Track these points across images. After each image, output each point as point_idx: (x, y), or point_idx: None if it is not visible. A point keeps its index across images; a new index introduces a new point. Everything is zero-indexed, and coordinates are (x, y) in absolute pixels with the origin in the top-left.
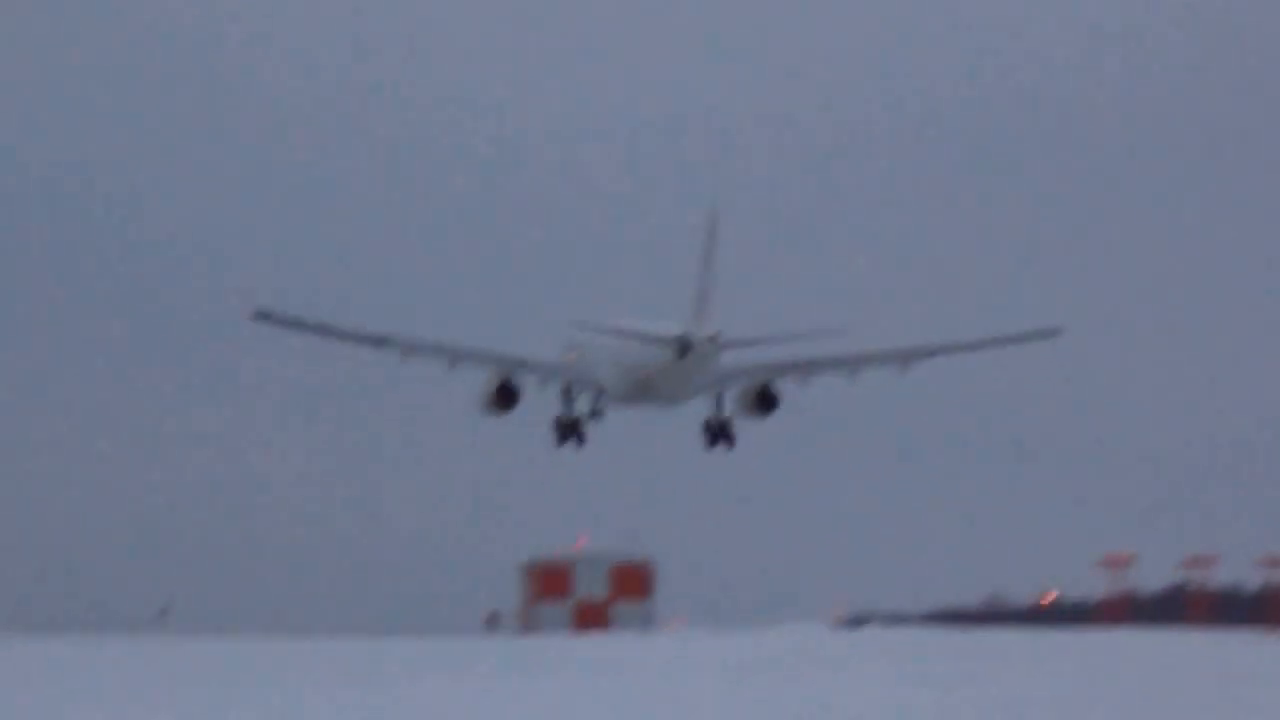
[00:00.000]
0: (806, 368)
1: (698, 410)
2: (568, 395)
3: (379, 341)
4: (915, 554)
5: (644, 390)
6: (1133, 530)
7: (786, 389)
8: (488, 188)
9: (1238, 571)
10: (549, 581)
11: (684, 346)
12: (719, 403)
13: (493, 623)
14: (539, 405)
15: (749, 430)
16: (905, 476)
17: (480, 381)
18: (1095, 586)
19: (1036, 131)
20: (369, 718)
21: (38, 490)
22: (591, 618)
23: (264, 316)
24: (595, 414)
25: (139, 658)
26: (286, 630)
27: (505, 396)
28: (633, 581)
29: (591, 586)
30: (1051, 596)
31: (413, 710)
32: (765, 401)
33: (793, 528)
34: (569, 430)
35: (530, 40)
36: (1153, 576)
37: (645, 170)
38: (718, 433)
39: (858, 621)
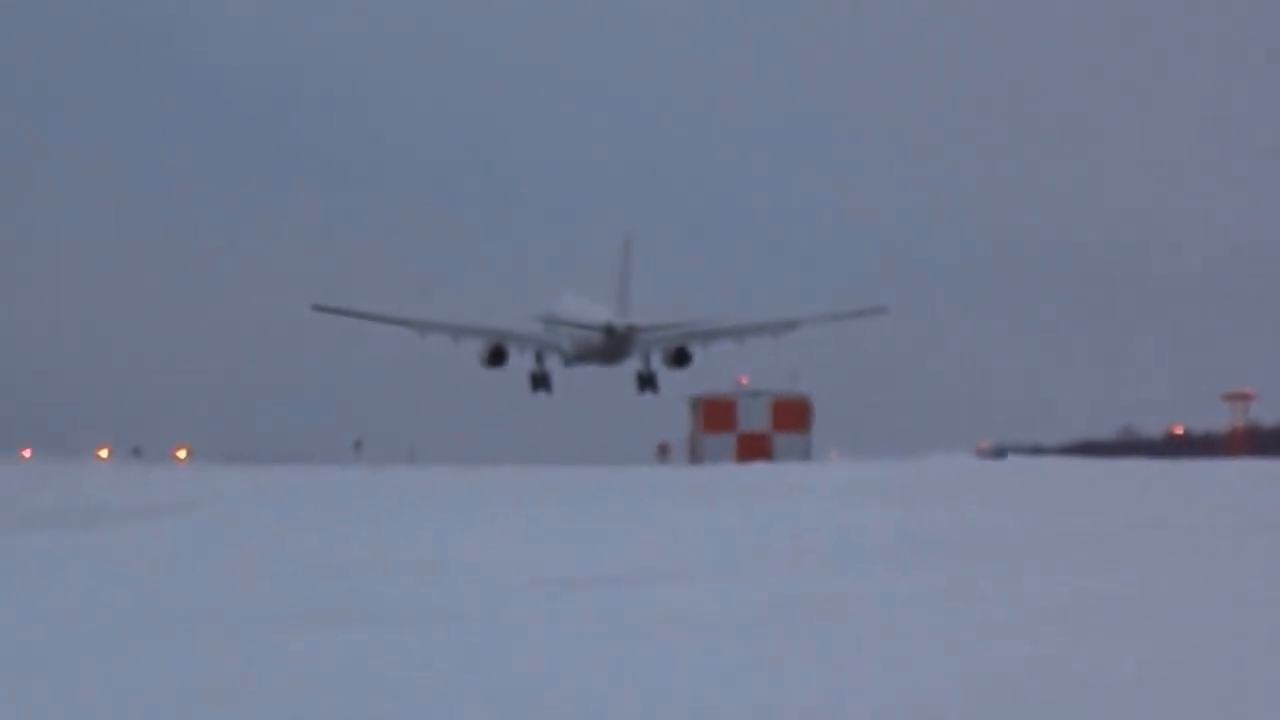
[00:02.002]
0: (706, 335)
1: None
2: (539, 358)
3: (403, 323)
4: (1053, 393)
5: (590, 355)
6: (1252, 368)
7: (695, 350)
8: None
9: None
10: (715, 415)
11: (609, 330)
12: (647, 360)
13: (664, 453)
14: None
15: (670, 377)
16: (1040, 324)
17: (477, 347)
18: (1219, 420)
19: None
20: (555, 535)
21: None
22: (754, 448)
23: (320, 309)
24: (568, 364)
25: (340, 483)
26: (474, 462)
27: (496, 357)
28: (793, 415)
29: (754, 420)
30: (1180, 429)
31: (597, 529)
32: (681, 358)
33: (938, 372)
34: (540, 382)
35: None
36: (1272, 411)
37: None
38: (646, 381)
39: (999, 453)
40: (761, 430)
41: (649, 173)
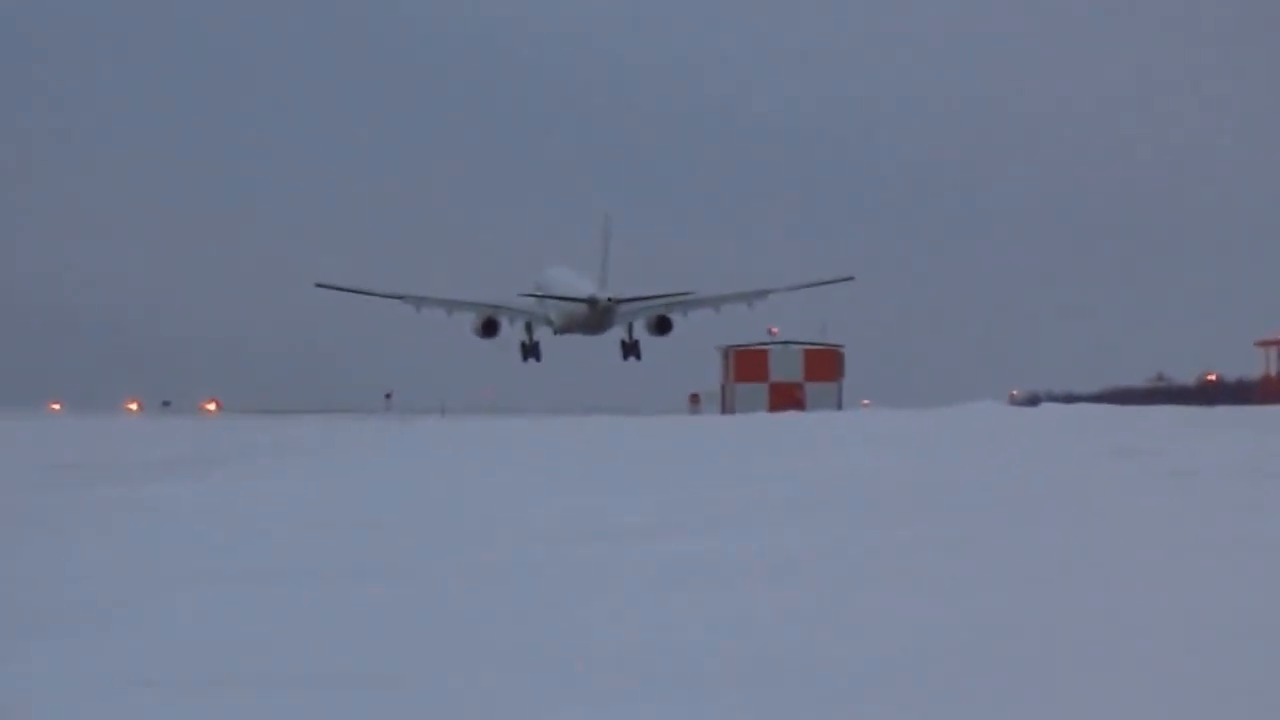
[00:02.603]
0: (685, 305)
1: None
2: (529, 328)
3: (401, 298)
4: (1085, 341)
5: (576, 326)
6: None
7: (675, 319)
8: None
9: None
10: (747, 365)
11: (592, 302)
12: (631, 329)
13: (695, 403)
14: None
15: (652, 344)
16: (1072, 271)
17: (470, 320)
18: (1252, 367)
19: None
20: (587, 486)
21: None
22: (786, 397)
23: (322, 286)
24: (556, 334)
25: (372, 432)
26: (504, 414)
27: (489, 328)
28: (824, 365)
29: (786, 369)
30: (1213, 376)
31: (629, 476)
32: (663, 327)
33: (969, 321)
34: (529, 351)
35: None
36: None
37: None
38: (629, 349)
39: (1032, 401)
40: (793, 380)
41: (630, 155)
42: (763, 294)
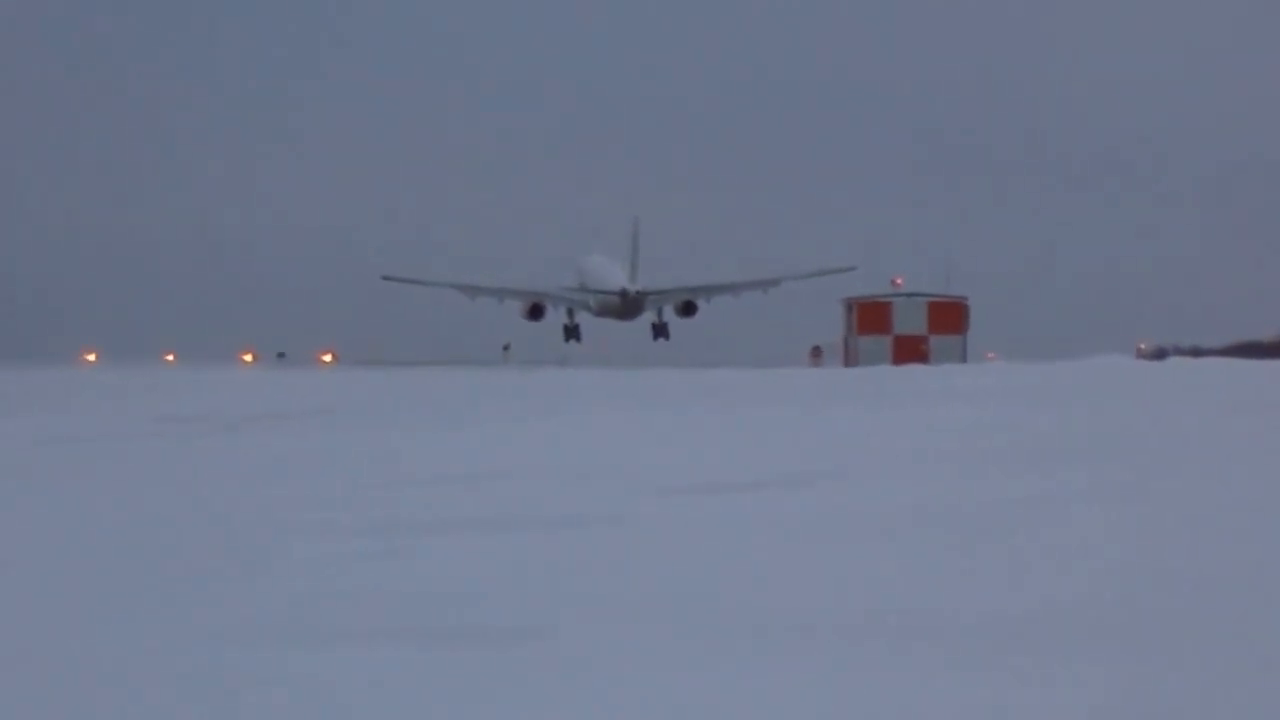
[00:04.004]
0: (709, 291)
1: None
2: (570, 313)
3: (458, 288)
4: (1211, 292)
5: (610, 312)
6: None
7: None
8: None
9: None
10: (870, 317)
11: (623, 294)
12: (660, 313)
13: (817, 356)
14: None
15: (681, 325)
16: (1201, 221)
17: (518, 306)
18: None
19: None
20: (708, 437)
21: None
22: (909, 350)
23: (387, 278)
24: (600, 316)
25: (488, 386)
26: (625, 366)
27: (535, 312)
28: (948, 317)
29: (910, 322)
30: None
31: (750, 431)
32: (689, 310)
33: (1096, 273)
34: (571, 332)
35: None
36: None
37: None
38: (659, 330)
39: (1159, 354)
40: (917, 332)
41: (660, 154)
42: (775, 282)
